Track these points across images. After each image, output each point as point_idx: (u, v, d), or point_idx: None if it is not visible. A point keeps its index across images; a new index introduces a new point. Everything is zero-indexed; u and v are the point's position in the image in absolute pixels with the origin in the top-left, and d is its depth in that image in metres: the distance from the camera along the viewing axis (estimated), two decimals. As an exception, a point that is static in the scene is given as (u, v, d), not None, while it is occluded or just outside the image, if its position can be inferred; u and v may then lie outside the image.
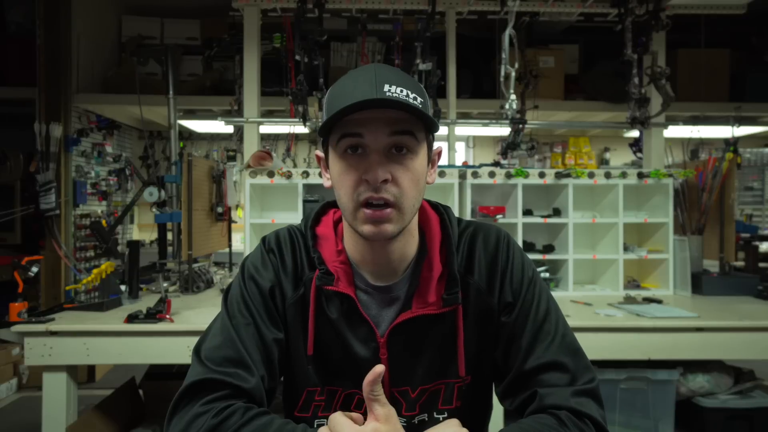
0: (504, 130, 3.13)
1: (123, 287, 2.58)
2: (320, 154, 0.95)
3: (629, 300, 2.57)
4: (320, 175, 1.04)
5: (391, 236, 0.87)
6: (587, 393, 0.86)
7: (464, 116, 4.31)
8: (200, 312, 2.32)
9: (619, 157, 5.83)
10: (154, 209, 2.90)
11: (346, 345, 0.92)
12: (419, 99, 0.85)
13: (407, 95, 0.83)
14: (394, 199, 0.85)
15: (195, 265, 2.88)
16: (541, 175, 2.82)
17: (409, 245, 0.94)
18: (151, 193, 2.84)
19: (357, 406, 0.94)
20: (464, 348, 0.93)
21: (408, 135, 0.85)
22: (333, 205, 1.01)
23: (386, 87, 0.82)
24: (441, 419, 0.93)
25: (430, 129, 0.90)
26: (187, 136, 5.44)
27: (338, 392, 0.94)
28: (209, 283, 2.95)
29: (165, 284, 2.68)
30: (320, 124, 0.89)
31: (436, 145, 0.95)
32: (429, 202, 1.00)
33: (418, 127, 0.86)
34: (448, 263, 0.93)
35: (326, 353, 0.93)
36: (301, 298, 0.94)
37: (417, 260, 0.95)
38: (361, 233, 0.87)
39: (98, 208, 4.23)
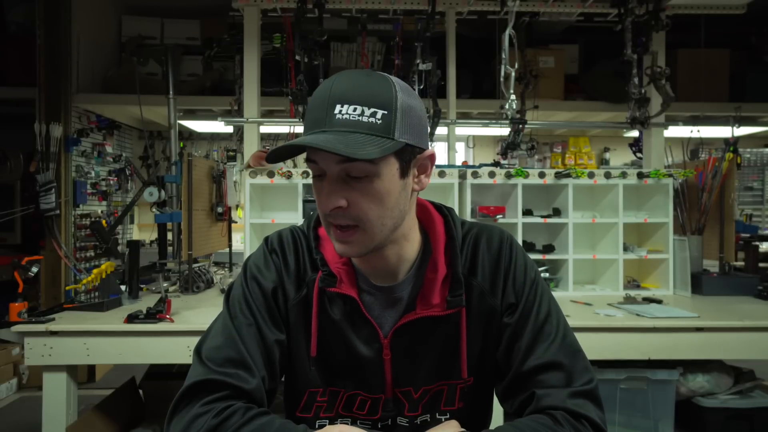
0: (504, 130, 3.12)
1: (123, 287, 2.57)
2: None
3: (629, 300, 2.57)
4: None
5: (359, 255, 0.87)
6: (584, 394, 0.85)
7: (464, 116, 4.31)
8: (200, 312, 2.32)
9: (619, 157, 5.83)
10: (154, 209, 2.90)
11: (350, 346, 0.92)
12: (380, 113, 0.79)
13: (361, 113, 0.78)
14: (354, 222, 0.83)
15: (195, 265, 2.88)
16: (541, 175, 2.82)
17: (405, 250, 0.93)
18: (151, 193, 2.84)
19: (359, 407, 0.95)
20: (467, 349, 0.93)
21: (359, 161, 0.79)
22: (335, 206, 1.00)
23: (337, 108, 0.79)
24: (443, 420, 0.93)
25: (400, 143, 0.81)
26: (187, 136, 5.44)
27: (341, 393, 0.94)
28: (209, 283, 2.95)
29: (165, 284, 2.68)
30: None
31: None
32: (433, 203, 1.00)
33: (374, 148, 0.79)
34: (453, 265, 0.92)
35: (329, 354, 0.93)
36: (303, 299, 0.94)
37: (421, 261, 0.95)
38: (336, 250, 0.88)
39: (98, 208, 4.23)
